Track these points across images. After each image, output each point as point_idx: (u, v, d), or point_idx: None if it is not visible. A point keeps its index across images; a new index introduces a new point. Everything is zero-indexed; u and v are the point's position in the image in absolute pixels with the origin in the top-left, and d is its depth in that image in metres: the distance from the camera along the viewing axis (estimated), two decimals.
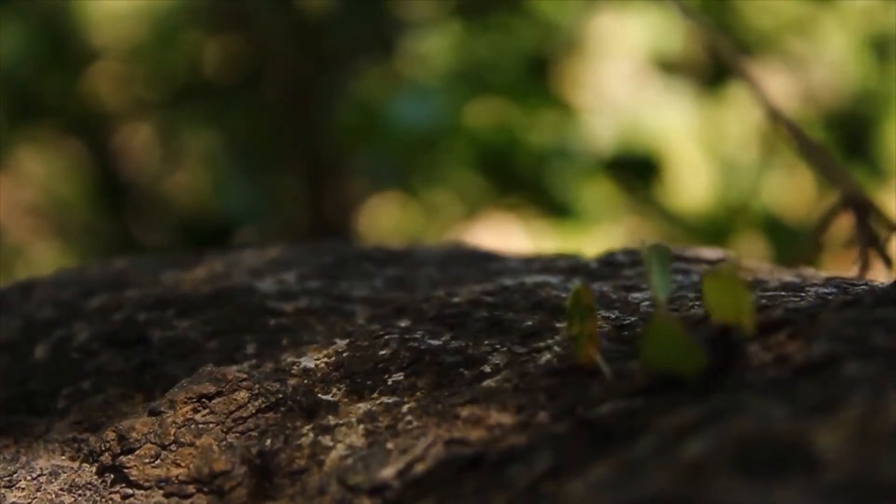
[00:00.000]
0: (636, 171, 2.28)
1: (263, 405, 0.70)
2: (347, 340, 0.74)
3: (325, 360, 0.73)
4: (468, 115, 2.28)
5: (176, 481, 0.68)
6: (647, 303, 0.72)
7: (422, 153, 2.27)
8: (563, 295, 0.74)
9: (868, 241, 0.86)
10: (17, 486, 0.71)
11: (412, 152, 2.26)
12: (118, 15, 2.43)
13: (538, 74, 2.32)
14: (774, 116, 0.91)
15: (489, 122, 2.28)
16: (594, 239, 2.20)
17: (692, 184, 2.29)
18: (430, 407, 0.67)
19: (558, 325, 0.71)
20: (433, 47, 2.34)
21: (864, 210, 0.87)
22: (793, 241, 2.17)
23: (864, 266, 0.87)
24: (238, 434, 0.69)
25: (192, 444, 0.69)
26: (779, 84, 2.29)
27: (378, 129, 2.22)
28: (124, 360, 0.79)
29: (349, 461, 0.66)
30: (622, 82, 2.34)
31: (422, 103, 2.20)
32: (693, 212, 2.30)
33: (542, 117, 2.28)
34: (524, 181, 2.29)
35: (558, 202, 2.28)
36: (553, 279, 0.79)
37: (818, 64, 2.33)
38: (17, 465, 0.73)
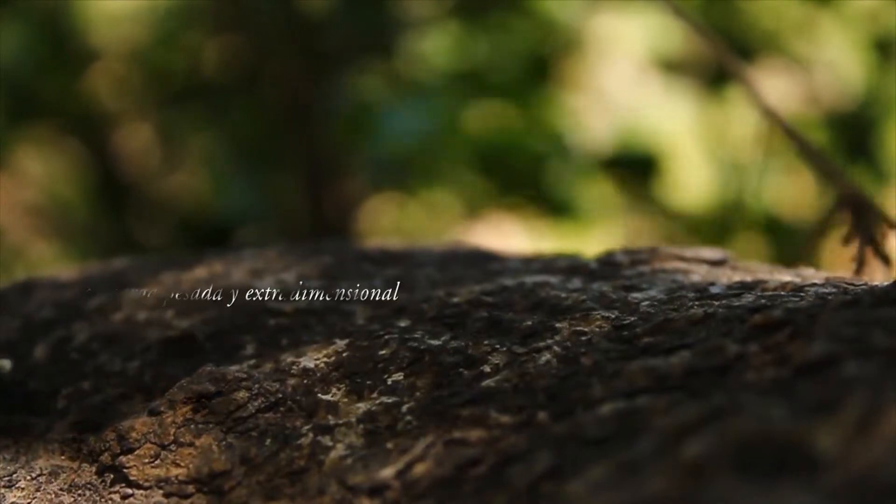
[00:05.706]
0: (636, 169, 2.28)
1: (263, 405, 0.70)
2: (347, 340, 0.74)
3: (325, 360, 0.73)
4: (467, 115, 2.28)
5: (176, 481, 0.68)
6: (646, 303, 0.72)
7: (421, 157, 2.27)
8: (563, 295, 0.74)
9: (865, 239, 0.86)
10: (17, 485, 0.71)
11: (412, 157, 2.26)
12: (118, 15, 2.43)
13: (538, 74, 2.32)
14: (769, 116, 0.91)
15: (488, 123, 2.28)
16: (594, 238, 2.20)
17: (692, 183, 2.28)
18: (430, 407, 0.67)
19: (558, 325, 0.71)
20: (432, 47, 2.34)
21: (862, 209, 0.87)
22: (793, 241, 2.17)
23: (861, 264, 0.87)
24: (238, 434, 0.69)
25: (191, 444, 0.69)
26: (781, 85, 2.29)
27: (377, 138, 2.22)
28: (124, 361, 0.79)
29: (349, 461, 0.66)
30: (622, 82, 2.34)
31: (420, 111, 2.19)
32: (693, 211, 2.30)
33: (541, 117, 2.28)
34: (524, 181, 2.29)
35: (558, 201, 2.28)
36: (553, 279, 0.79)
37: (821, 65, 2.33)
38: (17, 465, 0.73)
